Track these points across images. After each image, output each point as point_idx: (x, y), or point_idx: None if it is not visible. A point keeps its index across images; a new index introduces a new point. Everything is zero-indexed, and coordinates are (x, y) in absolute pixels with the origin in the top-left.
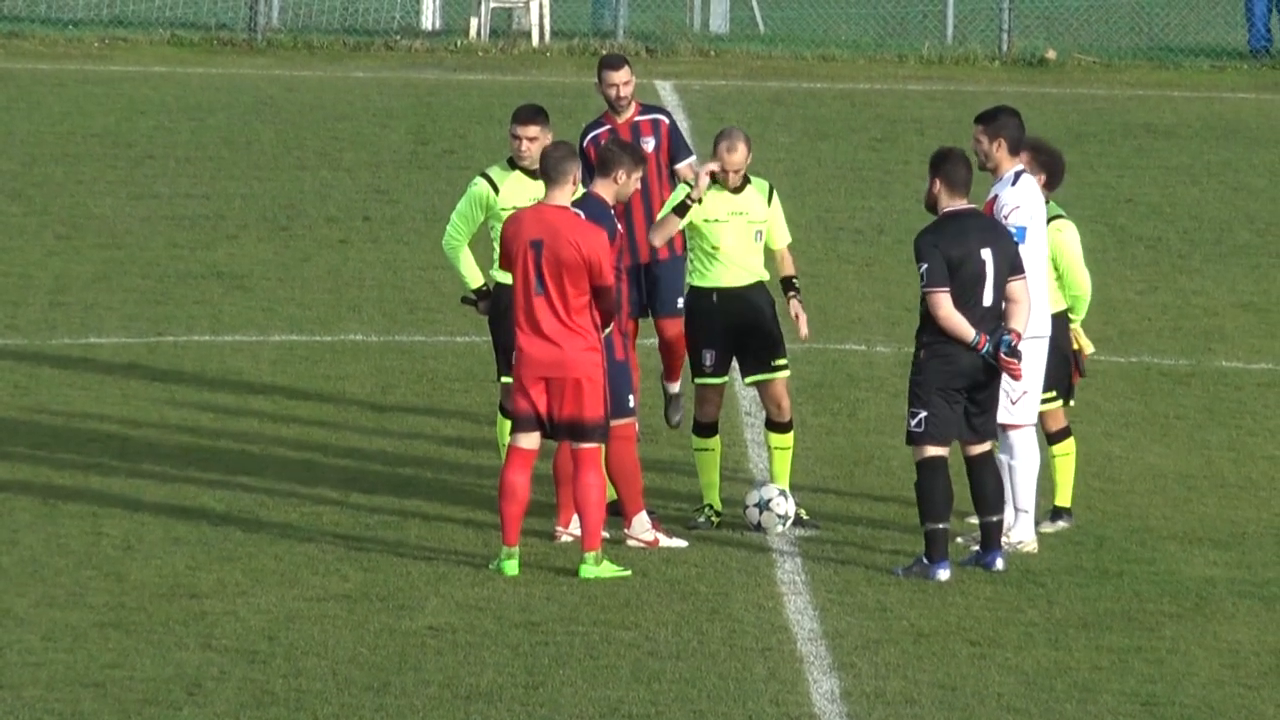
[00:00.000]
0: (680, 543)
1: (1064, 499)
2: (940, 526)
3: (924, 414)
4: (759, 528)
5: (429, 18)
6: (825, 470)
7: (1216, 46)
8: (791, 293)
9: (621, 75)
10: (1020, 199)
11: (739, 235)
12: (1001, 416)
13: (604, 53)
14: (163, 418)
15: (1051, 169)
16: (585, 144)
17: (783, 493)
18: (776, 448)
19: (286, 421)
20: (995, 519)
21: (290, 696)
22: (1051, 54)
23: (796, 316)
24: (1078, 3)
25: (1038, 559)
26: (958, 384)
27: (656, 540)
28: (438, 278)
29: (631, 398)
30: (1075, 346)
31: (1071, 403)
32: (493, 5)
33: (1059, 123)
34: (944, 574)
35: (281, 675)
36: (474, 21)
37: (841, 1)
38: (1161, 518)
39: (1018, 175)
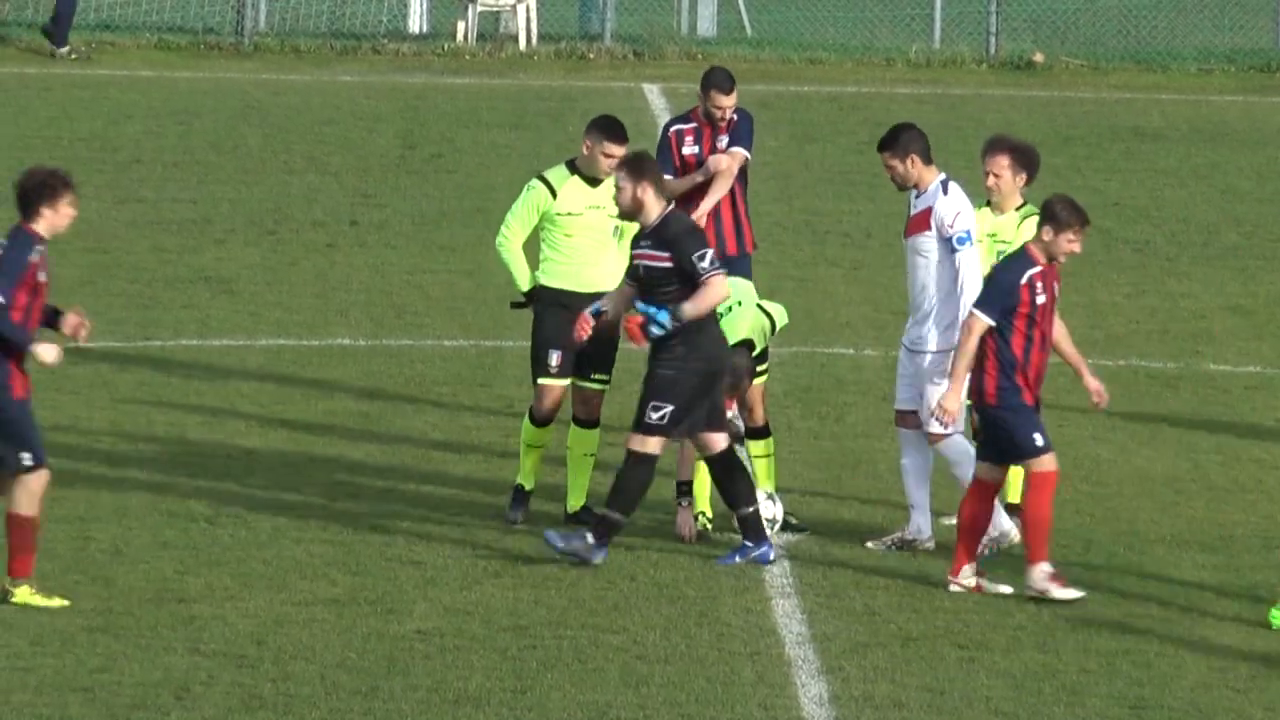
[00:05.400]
0: (1076, 593)
1: (1017, 495)
2: None
3: None
4: None
5: (416, 21)
6: (813, 474)
7: (1204, 49)
8: None
9: (730, 100)
10: (957, 205)
11: None
12: (935, 426)
13: (712, 67)
14: (150, 422)
15: (1029, 167)
16: (669, 135)
17: (770, 496)
18: (753, 455)
19: (274, 425)
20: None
21: (278, 700)
22: (1039, 57)
23: None
24: (1065, 6)
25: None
26: None
27: (1048, 591)
28: (425, 281)
29: (1038, 436)
30: None
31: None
32: (480, 8)
33: (1046, 126)
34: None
35: (270, 679)
36: (461, 25)
37: (829, 4)
38: (1149, 521)
39: (944, 184)
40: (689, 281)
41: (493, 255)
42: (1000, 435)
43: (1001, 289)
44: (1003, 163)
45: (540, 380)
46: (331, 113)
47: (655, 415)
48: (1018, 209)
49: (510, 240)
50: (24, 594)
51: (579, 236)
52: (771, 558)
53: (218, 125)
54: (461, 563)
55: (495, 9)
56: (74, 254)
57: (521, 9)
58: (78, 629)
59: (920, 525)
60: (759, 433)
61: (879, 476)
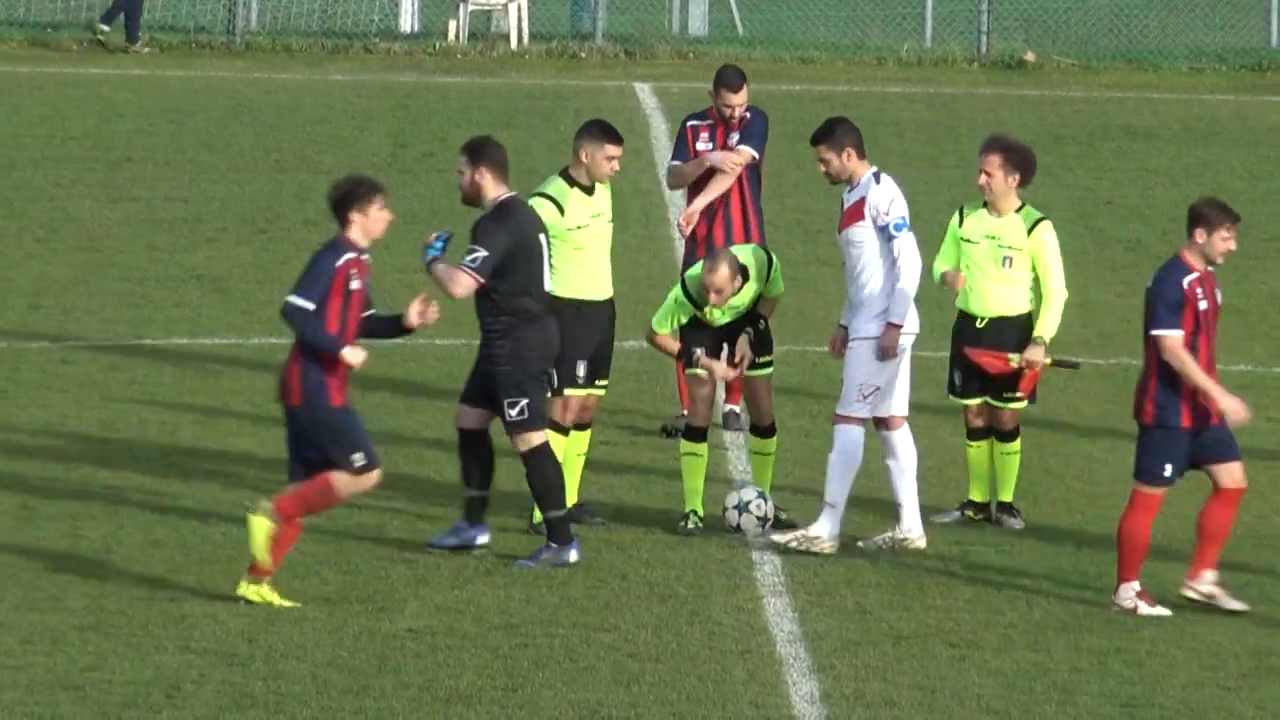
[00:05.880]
0: (1164, 611)
1: (1008, 494)
2: None
3: None
4: (738, 530)
5: (407, 20)
6: (804, 472)
7: (1195, 48)
8: (750, 328)
9: (739, 98)
10: (891, 194)
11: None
12: (846, 408)
13: (723, 65)
14: (142, 420)
15: (1023, 167)
16: (685, 128)
17: (761, 495)
18: (755, 452)
19: (265, 424)
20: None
21: (269, 699)
22: (1030, 56)
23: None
24: (1056, 5)
25: (1017, 560)
26: None
27: (1137, 608)
28: (416, 280)
29: (1169, 467)
30: (1041, 363)
31: (1034, 403)
32: (471, 8)
33: (1038, 125)
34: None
35: (261, 678)
36: (453, 24)
37: (820, 3)
38: None
39: (876, 175)
40: None
41: None
42: (1139, 448)
43: (1168, 299)
44: (995, 162)
45: (568, 391)
46: (323, 111)
47: (514, 412)
48: (1017, 211)
49: None
50: (254, 591)
51: (590, 248)
52: (482, 540)
53: (209, 124)
54: (453, 561)
55: (486, 8)
56: (66, 253)
57: (513, 8)
58: (69, 627)
59: (910, 524)
60: (764, 431)
61: (870, 475)
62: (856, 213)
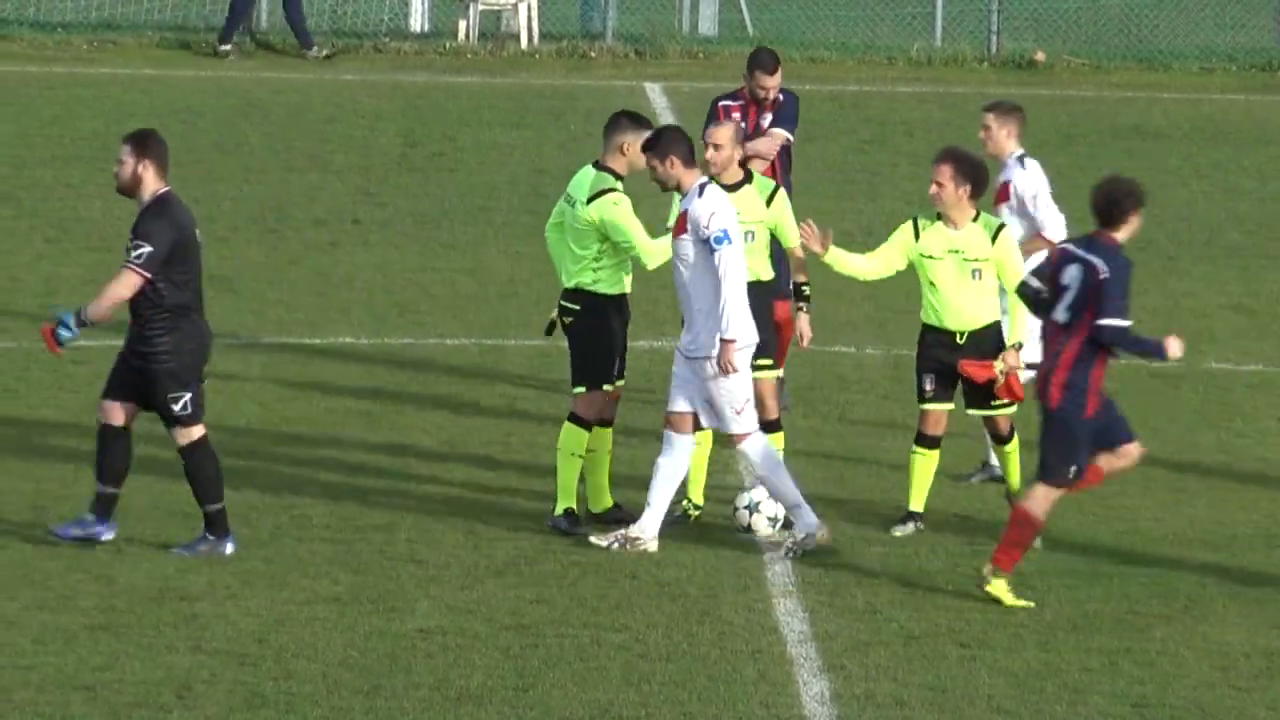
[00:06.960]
0: None
1: (1016, 487)
2: None
3: None
4: (748, 530)
5: (417, 20)
6: (816, 472)
7: (1205, 48)
8: (800, 303)
9: (774, 80)
10: (712, 206)
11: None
12: (732, 427)
13: (757, 47)
14: (151, 419)
15: (975, 178)
16: (716, 108)
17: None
18: None
19: (276, 424)
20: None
21: (280, 699)
22: (1040, 56)
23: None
24: (1067, 4)
25: (1027, 560)
26: None
27: None
28: (427, 280)
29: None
30: (1018, 367)
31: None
32: (481, 7)
33: (1048, 125)
34: None
35: (271, 678)
36: (462, 24)
37: (830, 3)
38: (1152, 519)
39: (702, 187)
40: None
41: (493, 253)
42: None
43: None
44: (946, 172)
45: (606, 387)
46: (333, 111)
47: (178, 407)
48: (974, 220)
49: (651, 247)
50: (999, 588)
51: None
52: (106, 537)
53: (220, 124)
54: (463, 561)
55: (497, 8)
56: (77, 252)
57: (523, 8)
58: (80, 627)
59: (646, 525)
60: (768, 427)
61: (881, 474)
62: (681, 225)
